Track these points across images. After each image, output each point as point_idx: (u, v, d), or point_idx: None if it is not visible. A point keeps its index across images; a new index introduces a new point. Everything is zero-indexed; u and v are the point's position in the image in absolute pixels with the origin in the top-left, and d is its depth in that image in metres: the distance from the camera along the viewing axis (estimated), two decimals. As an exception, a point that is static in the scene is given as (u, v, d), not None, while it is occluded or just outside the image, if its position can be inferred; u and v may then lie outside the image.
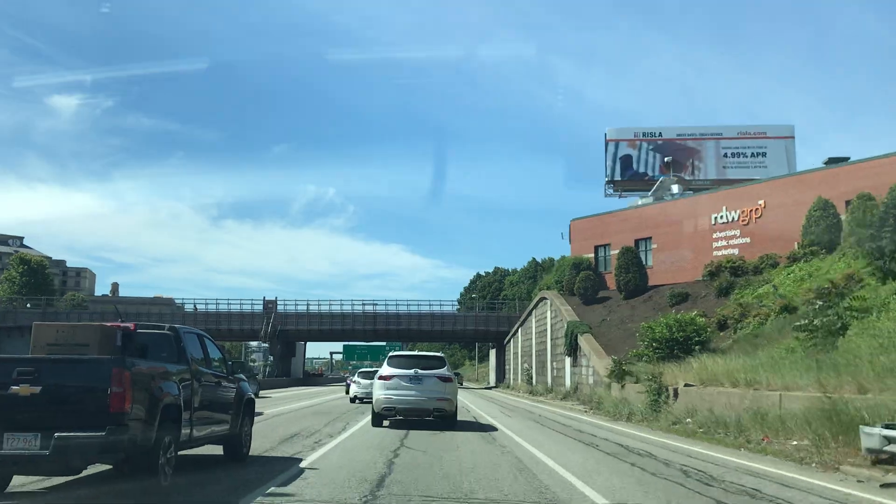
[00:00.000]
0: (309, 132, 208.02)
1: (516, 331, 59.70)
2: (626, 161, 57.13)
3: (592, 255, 45.46)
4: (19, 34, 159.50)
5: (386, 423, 17.49)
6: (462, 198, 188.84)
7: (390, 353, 19.17)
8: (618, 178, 56.71)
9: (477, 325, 70.40)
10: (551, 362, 41.62)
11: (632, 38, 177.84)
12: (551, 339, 41.77)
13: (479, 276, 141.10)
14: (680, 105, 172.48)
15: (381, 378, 17.41)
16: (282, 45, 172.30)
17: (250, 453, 11.02)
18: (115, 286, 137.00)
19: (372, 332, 71.68)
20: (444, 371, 17.54)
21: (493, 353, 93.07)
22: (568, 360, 36.67)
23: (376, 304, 70.26)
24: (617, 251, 42.19)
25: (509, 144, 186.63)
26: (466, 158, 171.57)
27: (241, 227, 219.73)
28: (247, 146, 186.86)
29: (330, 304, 72.11)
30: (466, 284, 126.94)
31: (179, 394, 8.19)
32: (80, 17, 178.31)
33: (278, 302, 70.32)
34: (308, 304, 70.67)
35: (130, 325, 8.32)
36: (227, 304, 70.58)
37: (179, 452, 8.36)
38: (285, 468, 9.98)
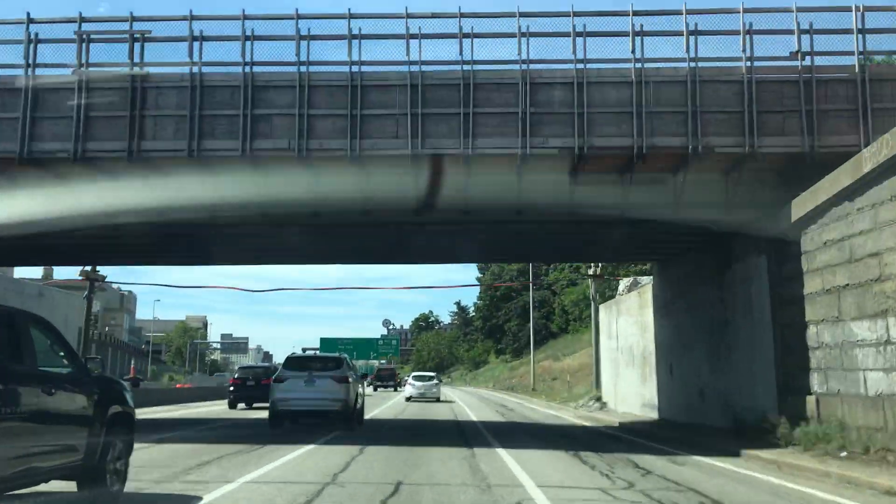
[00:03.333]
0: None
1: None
2: None
3: None
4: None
5: (286, 423, 17.34)
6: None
7: (287, 356, 19.49)
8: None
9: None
10: None
11: None
12: None
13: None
14: None
15: (275, 381, 17.62)
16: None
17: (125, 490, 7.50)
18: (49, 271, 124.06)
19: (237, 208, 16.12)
20: (339, 372, 17.44)
21: (635, 297, 23.43)
22: None
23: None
24: None
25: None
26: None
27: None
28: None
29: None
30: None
31: None
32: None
33: None
34: None
35: None
36: None
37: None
38: None
